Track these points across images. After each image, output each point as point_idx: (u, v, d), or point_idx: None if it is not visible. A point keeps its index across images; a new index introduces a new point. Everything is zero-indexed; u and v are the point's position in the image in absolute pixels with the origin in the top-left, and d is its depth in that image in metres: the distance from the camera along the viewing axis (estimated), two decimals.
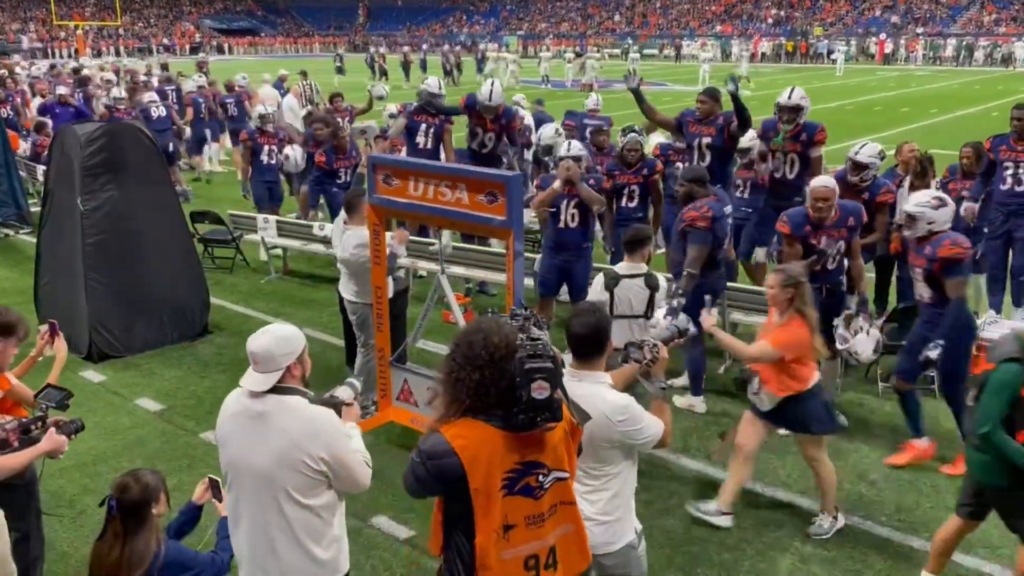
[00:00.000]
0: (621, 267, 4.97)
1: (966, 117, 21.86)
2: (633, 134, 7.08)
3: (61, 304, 7.15)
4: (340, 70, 34.05)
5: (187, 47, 58.35)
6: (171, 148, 12.96)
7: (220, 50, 58.29)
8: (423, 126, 8.87)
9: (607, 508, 3.04)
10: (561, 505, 2.58)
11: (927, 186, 6.30)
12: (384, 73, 34.65)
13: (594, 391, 2.94)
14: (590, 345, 2.98)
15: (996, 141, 6.99)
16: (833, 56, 40.96)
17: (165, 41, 58.95)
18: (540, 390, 2.32)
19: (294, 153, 9.83)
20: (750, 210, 7.49)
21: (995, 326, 6.47)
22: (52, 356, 4.12)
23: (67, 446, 3.44)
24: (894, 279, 7.07)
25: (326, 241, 8.56)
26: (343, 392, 3.17)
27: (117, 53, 50.42)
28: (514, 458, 2.44)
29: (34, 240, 8.06)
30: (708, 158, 7.15)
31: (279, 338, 2.83)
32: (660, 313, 4.96)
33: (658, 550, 4.44)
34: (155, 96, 13.73)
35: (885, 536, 4.55)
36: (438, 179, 4.61)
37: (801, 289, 4.20)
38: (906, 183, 6.71)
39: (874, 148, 6.31)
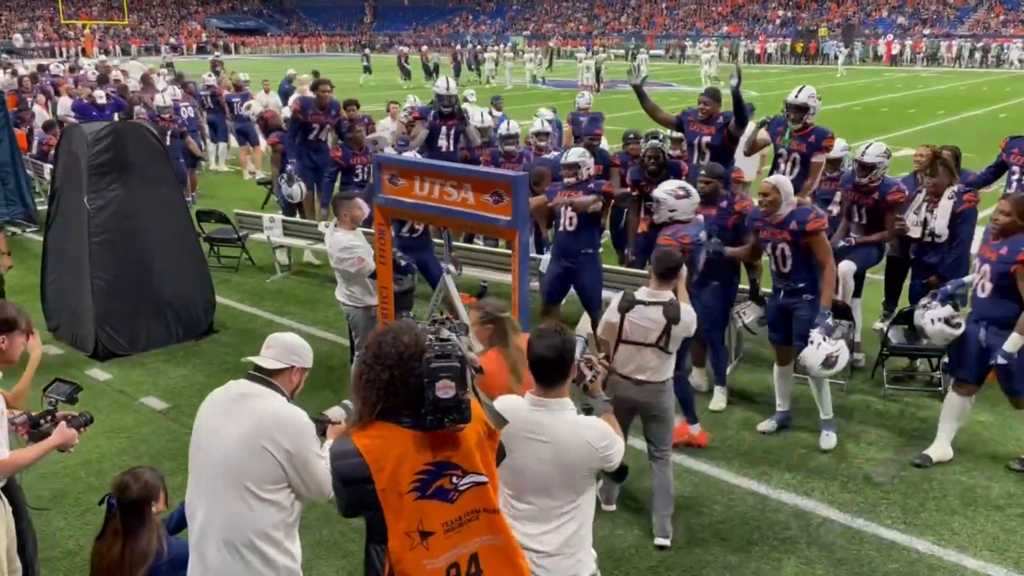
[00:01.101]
0: (642, 293, 4.45)
1: (974, 119, 21.79)
2: (654, 141, 7.02)
3: (67, 302, 7.18)
4: (367, 69, 34.14)
5: (194, 46, 58.50)
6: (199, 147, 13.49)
7: (226, 50, 58.39)
8: (444, 129, 8.93)
9: (572, 541, 2.94)
10: (484, 513, 2.51)
11: (938, 184, 6.15)
12: (408, 74, 34.34)
13: (566, 421, 2.88)
14: (554, 369, 2.87)
15: (1011, 143, 6.91)
16: (839, 57, 40.91)
17: (172, 40, 59.09)
18: (445, 389, 2.30)
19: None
20: None
21: None
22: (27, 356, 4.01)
23: (77, 439, 3.45)
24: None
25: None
26: (334, 412, 3.18)
27: (125, 52, 50.57)
28: (425, 458, 2.40)
29: (41, 238, 8.08)
30: (707, 157, 7.17)
31: (300, 342, 3.09)
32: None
33: (663, 552, 4.44)
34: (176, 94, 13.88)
35: (891, 539, 4.53)
36: (444, 179, 4.61)
37: (501, 326, 3.76)
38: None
39: (880, 147, 6.26)
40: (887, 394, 6.18)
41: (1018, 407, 5.19)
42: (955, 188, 6.04)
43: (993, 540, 4.51)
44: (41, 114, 14.32)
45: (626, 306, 4.38)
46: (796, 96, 6.72)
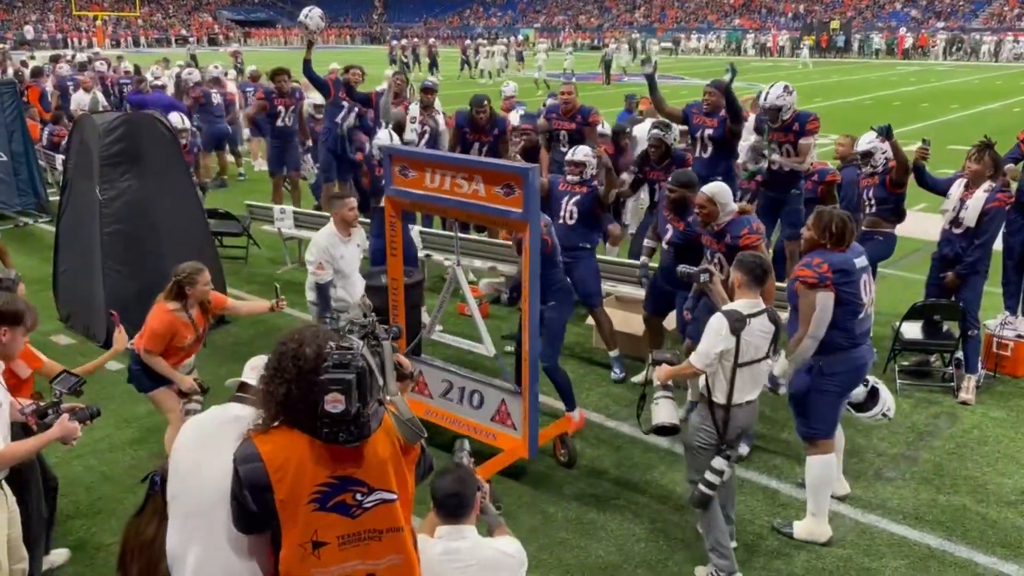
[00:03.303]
0: (742, 305, 4.02)
1: (987, 113, 21.62)
2: (655, 131, 7.02)
3: (79, 292, 7.21)
4: (407, 65, 34.02)
5: (204, 38, 58.57)
6: (230, 132, 13.71)
7: (237, 41, 58.45)
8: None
9: None
10: (388, 532, 2.40)
11: (978, 172, 5.92)
12: (435, 64, 34.12)
13: (486, 547, 2.87)
14: (457, 505, 2.85)
15: None
16: (802, 52, 40.18)
17: (183, 32, 59.18)
18: (334, 403, 2.18)
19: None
20: None
21: (1009, 327, 6.43)
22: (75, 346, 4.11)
23: (80, 432, 3.41)
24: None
25: None
26: None
27: (136, 44, 50.68)
28: (326, 472, 2.29)
29: (53, 229, 8.11)
30: (710, 150, 7.21)
31: None
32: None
33: (673, 546, 4.44)
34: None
35: (901, 534, 4.52)
36: (455, 171, 4.60)
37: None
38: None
39: (871, 134, 6.41)
40: (899, 389, 6.15)
41: (807, 451, 4.58)
42: (992, 184, 5.93)
43: (1005, 536, 4.49)
44: (78, 99, 14.21)
45: (740, 326, 3.92)
46: (766, 99, 6.89)
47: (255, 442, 2.30)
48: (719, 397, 4.02)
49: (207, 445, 2.62)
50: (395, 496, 2.40)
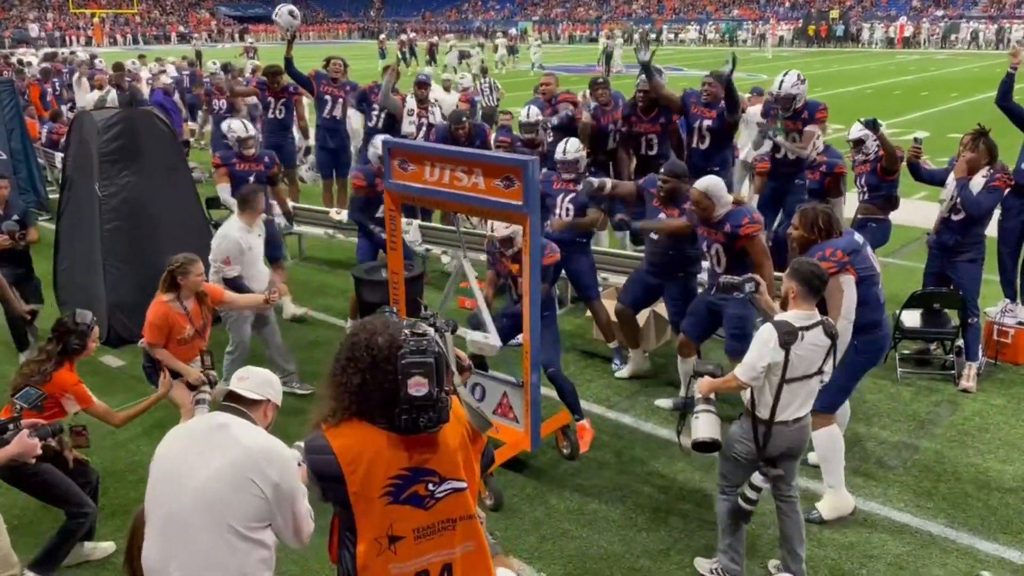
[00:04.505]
0: (793, 316, 3.75)
1: (987, 101, 21.51)
2: (641, 80, 7.22)
3: (80, 289, 7.21)
4: (404, 60, 33.58)
5: (203, 34, 58.43)
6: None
7: (232, 37, 58.33)
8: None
9: None
10: (461, 520, 2.43)
11: (973, 160, 5.92)
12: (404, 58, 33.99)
13: None
14: None
15: None
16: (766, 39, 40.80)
17: (181, 29, 59.07)
18: (417, 386, 2.21)
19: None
20: None
21: (1009, 314, 6.43)
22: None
23: (39, 450, 3.31)
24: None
25: (342, 226, 8.62)
26: (291, 452, 2.97)
27: (135, 41, 50.61)
28: (400, 463, 2.31)
29: (53, 227, 8.11)
30: (707, 141, 7.21)
31: (274, 377, 3.02)
32: None
33: (675, 536, 4.45)
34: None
35: (903, 522, 4.53)
36: (454, 164, 4.59)
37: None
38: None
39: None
40: (900, 377, 6.15)
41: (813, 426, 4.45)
42: (991, 169, 5.91)
43: (1007, 523, 4.50)
44: (88, 97, 14.11)
45: (791, 339, 3.65)
46: (780, 88, 6.90)
47: (327, 435, 2.32)
48: (763, 412, 3.76)
49: (192, 452, 2.64)
50: (465, 485, 2.43)
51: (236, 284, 5.71)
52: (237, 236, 5.77)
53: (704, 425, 3.95)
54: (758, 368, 3.69)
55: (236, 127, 7.35)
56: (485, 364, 5.39)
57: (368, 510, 2.32)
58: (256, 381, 2.92)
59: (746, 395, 3.83)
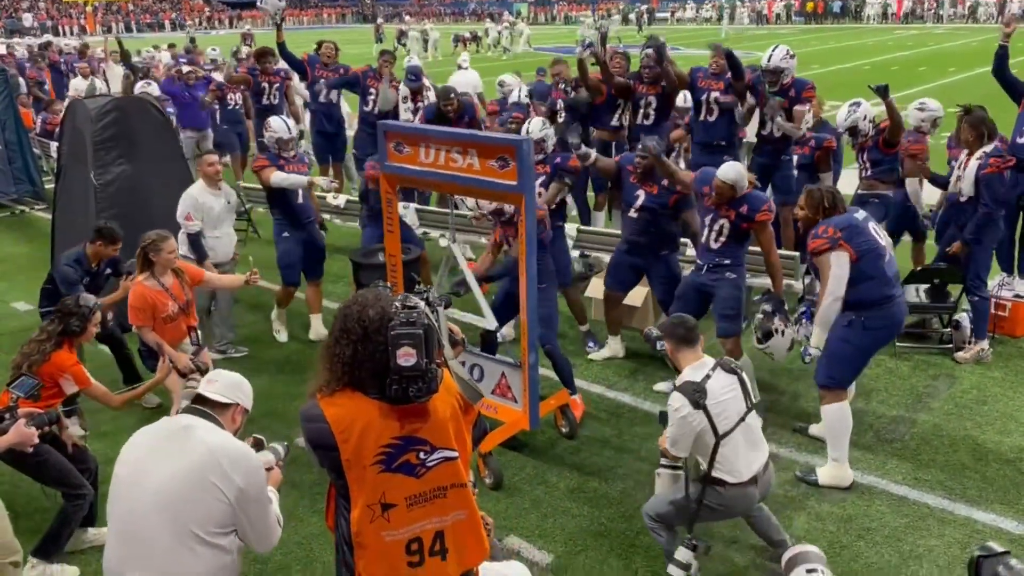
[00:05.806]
0: (689, 372, 3.67)
1: (984, 75, 21.40)
2: (649, 50, 7.30)
3: None
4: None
5: (197, 21, 58.04)
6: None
7: (228, 23, 57.98)
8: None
9: None
10: (452, 488, 2.48)
11: (965, 142, 5.99)
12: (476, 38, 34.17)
13: (489, 571, 2.84)
14: None
15: None
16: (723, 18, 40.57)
17: (174, 16, 58.67)
18: (406, 356, 2.25)
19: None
20: None
21: (1007, 287, 6.44)
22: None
23: (36, 439, 3.35)
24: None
25: (339, 211, 8.61)
26: (265, 455, 3.03)
27: (127, 29, 50.29)
28: (392, 432, 2.36)
29: (49, 216, 8.11)
30: (715, 113, 7.21)
31: (244, 381, 3.01)
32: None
33: None
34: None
35: (901, 494, 4.56)
36: (449, 145, 4.58)
37: None
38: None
39: (844, 109, 6.50)
40: (898, 352, 6.17)
41: (823, 400, 4.68)
42: (986, 149, 5.87)
43: (1004, 494, 4.53)
44: (76, 85, 13.94)
45: (701, 396, 3.49)
46: (769, 60, 6.90)
47: (321, 404, 2.37)
48: (719, 474, 3.56)
49: (154, 453, 2.65)
50: (456, 454, 2.48)
51: (195, 240, 6.10)
52: (196, 194, 6.24)
53: (660, 487, 3.87)
54: (688, 442, 3.57)
55: (277, 126, 6.52)
56: (494, 347, 5.41)
57: (361, 478, 2.37)
58: (225, 384, 2.92)
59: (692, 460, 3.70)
